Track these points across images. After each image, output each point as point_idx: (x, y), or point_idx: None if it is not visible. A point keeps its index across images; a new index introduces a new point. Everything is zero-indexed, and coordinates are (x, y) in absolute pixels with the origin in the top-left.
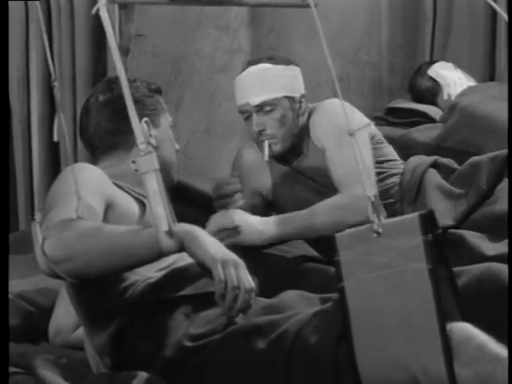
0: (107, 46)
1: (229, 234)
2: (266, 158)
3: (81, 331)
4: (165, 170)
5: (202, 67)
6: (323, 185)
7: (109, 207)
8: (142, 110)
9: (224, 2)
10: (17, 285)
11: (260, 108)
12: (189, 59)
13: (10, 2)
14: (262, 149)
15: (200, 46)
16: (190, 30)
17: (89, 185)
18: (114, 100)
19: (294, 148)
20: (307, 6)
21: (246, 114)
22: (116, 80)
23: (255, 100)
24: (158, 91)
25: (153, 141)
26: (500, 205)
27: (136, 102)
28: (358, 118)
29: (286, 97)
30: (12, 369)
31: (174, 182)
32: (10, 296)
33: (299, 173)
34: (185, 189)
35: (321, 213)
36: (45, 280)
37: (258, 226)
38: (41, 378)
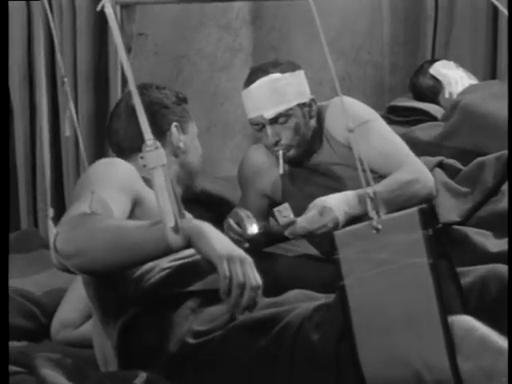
0: (109, 44)
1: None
2: (281, 171)
3: (84, 328)
4: (191, 175)
5: (204, 66)
6: (336, 180)
7: (137, 203)
8: (172, 116)
9: None
10: (18, 283)
11: (274, 120)
12: (190, 58)
13: (10, 2)
14: (275, 155)
15: (201, 45)
16: (191, 29)
17: (115, 180)
18: (144, 105)
19: (306, 148)
20: None
21: (259, 126)
22: (147, 86)
23: (269, 113)
24: (185, 100)
25: (182, 145)
26: (504, 203)
27: (165, 107)
28: (369, 110)
29: (298, 104)
30: (12, 368)
31: (197, 190)
32: (11, 294)
33: (311, 171)
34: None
35: (395, 189)
36: (45, 278)
37: (346, 209)
38: (41, 377)
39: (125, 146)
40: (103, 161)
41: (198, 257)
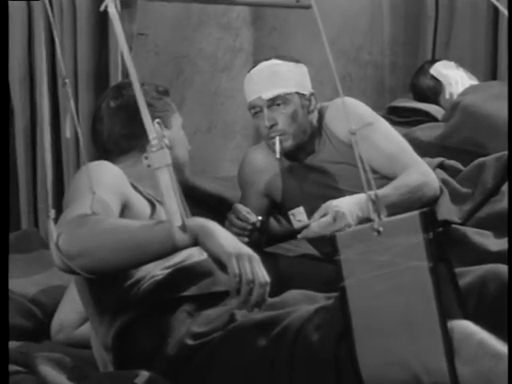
0: (109, 44)
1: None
2: (278, 155)
3: (84, 329)
4: (179, 169)
5: (204, 66)
6: (337, 179)
7: (125, 207)
8: (153, 112)
9: (224, 1)
10: (18, 283)
11: (272, 102)
12: (191, 58)
13: (11, 2)
14: (272, 146)
15: (202, 45)
16: (192, 29)
17: (106, 182)
18: (125, 105)
19: (305, 146)
20: (306, 7)
21: (257, 109)
22: (125, 85)
23: (268, 94)
24: (166, 93)
25: (166, 141)
26: (504, 203)
27: (147, 105)
28: (372, 111)
29: (297, 93)
30: (13, 367)
31: (187, 182)
32: (11, 295)
33: (312, 170)
34: (187, 188)
35: (406, 192)
36: (46, 278)
37: (359, 213)
38: (42, 376)
39: (111, 149)
40: (94, 163)
41: (190, 262)
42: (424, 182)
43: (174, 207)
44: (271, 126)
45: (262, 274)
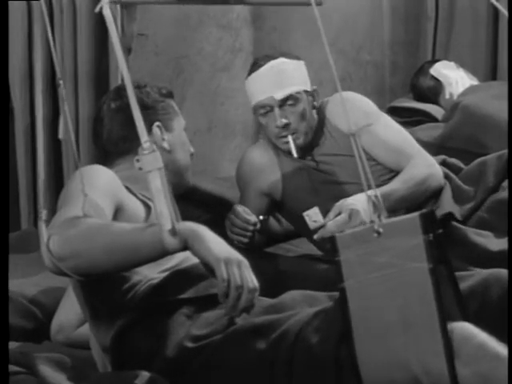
0: (109, 45)
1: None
2: (295, 154)
3: (83, 329)
4: (179, 173)
5: (204, 66)
6: (335, 173)
7: (118, 210)
8: (154, 115)
9: (227, 1)
10: (18, 284)
11: (284, 102)
12: (191, 58)
13: (11, 2)
14: (283, 145)
15: (202, 45)
16: (192, 29)
17: (99, 186)
18: (125, 107)
19: (310, 140)
20: (309, 3)
21: (267, 108)
22: (125, 87)
23: (279, 94)
24: (170, 95)
25: (166, 145)
26: (504, 194)
27: (147, 107)
28: (374, 105)
29: (305, 91)
30: (13, 368)
31: (189, 185)
32: (11, 295)
33: (313, 166)
34: (187, 188)
35: (413, 185)
36: (46, 279)
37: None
38: (42, 377)
39: (109, 150)
40: (87, 167)
41: (187, 265)
42: (430, 173)
43: (164, 211)
44: (284, 126)
45: (251, 279)
